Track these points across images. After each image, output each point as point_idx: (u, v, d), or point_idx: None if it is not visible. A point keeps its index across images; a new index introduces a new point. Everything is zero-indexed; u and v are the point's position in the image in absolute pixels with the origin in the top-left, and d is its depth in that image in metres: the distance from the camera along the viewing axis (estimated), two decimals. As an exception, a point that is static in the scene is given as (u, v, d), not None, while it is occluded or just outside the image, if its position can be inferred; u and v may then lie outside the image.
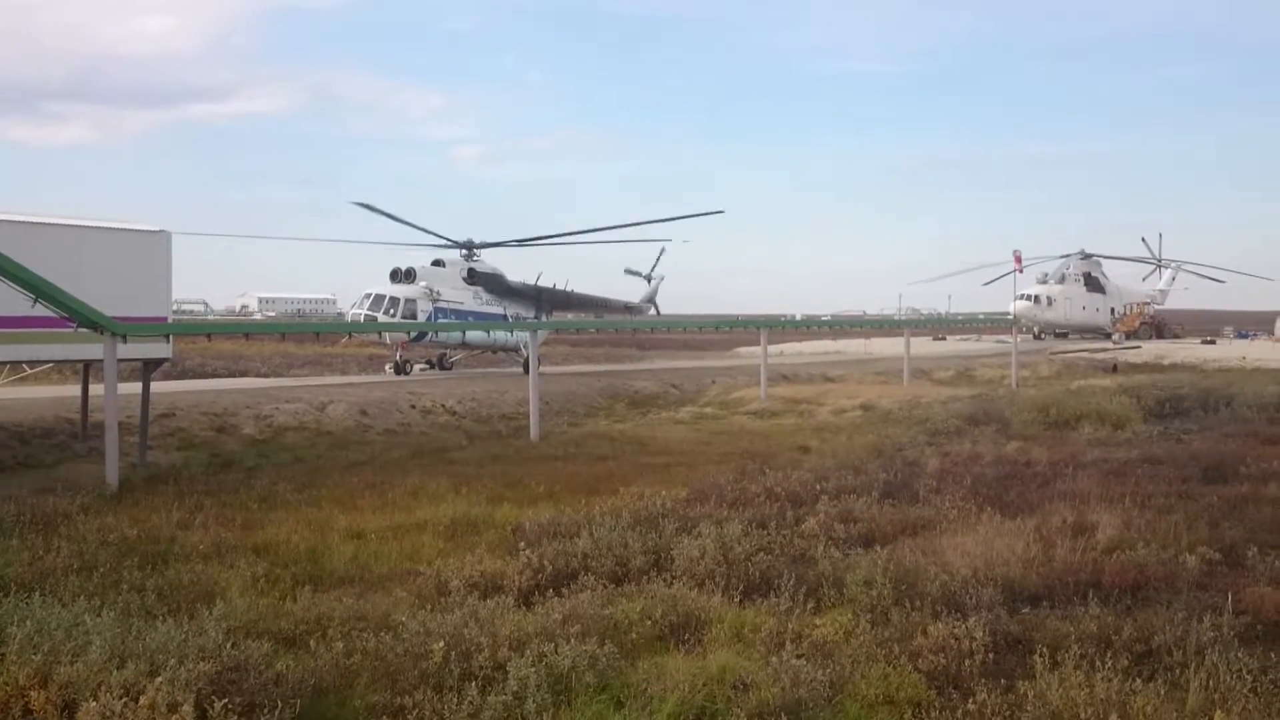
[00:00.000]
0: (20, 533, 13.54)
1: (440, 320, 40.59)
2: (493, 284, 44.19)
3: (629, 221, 45.85)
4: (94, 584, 11.18)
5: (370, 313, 39.68)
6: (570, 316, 49.24)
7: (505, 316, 44.05)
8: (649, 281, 54.01)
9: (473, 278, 43.34)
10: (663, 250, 52.39)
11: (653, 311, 54.55)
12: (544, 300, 46.44)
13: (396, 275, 41.53)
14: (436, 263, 43.28)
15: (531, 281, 45.96)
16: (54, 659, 8.17)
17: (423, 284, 41.35)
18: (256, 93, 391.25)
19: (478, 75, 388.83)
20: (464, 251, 44.08)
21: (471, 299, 43.08)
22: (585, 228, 46.47)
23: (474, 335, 42.38)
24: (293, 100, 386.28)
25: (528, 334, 44.47)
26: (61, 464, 20.76)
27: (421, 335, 40.77)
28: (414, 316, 39.97)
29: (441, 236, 43.38)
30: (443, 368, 43.86)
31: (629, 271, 53.49)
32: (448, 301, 41.85)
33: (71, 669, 8.00)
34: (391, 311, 39.59)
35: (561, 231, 45.57)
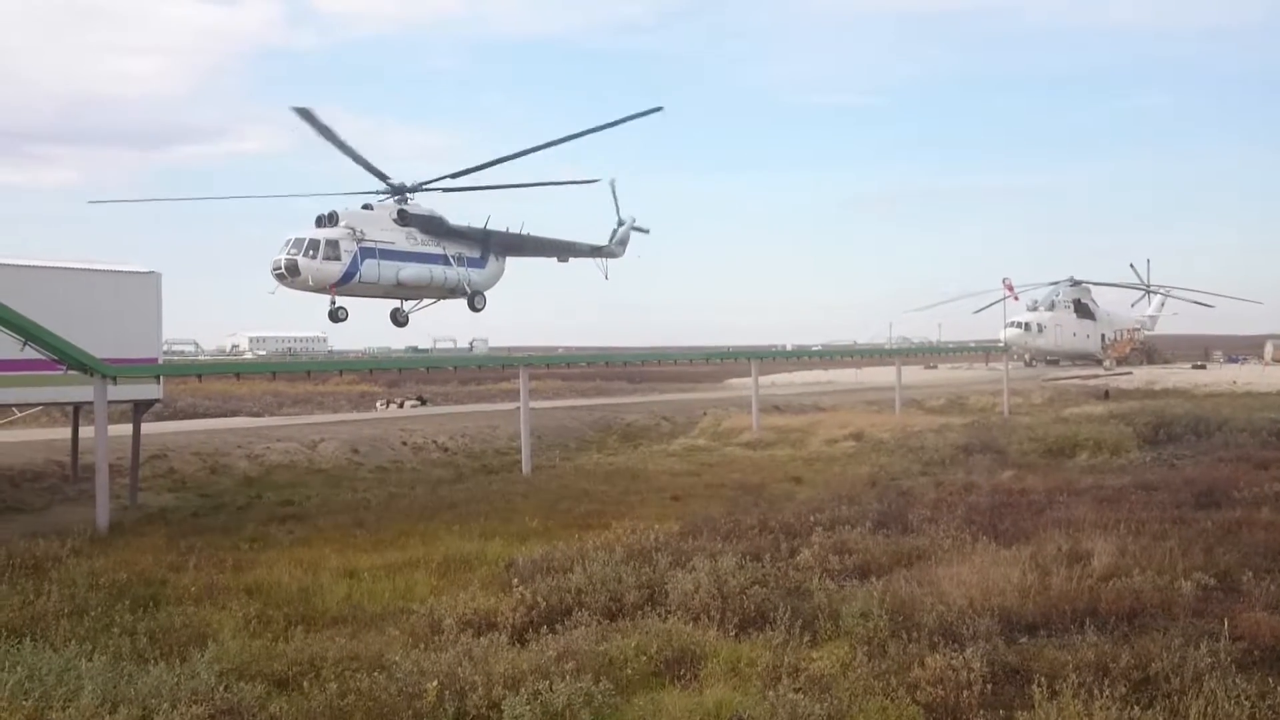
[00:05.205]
0: (10, 577, 13.47)
1: (369, 261, 40.15)
2: (430, 225, 43.22)
3: (567, 135, 45.00)
4: (85, 628, 11.09)
5: (290, 256, 39.05)
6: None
7: (447, 258, 43.61)
8: (620, 224, 53.61)
9: (405, 219, 42.78)
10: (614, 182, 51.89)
11: (623, 254, 53.84)
12: (492, 242, 45.58)
13: (321, 220, 41.07)
14: (365, 206, 42.88)
15: (479, 225, 45.17)
16: (46, 705, 8.11)
17: (344, 225, 40.90)
18: (245, 133, 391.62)
19: (460, 112, 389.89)
20: (397, 196, 43.58)
21: (404, 239, 42.26)
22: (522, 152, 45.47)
23: (409, 275, 41.87)
24: (280, 140, 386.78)
25: (470, 272, 44.28)
26: (52, 507, 20.65)
27: (349, 278, 40.16)
28: (337, 258, 39.37)
29: (377, 171, 42.40)
30: (396, 322, 43.34)
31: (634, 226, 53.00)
32: (375, 242, 41.09)
33: (64, 714, 7.94)
34: (312, 253, 38.97)
35: (498, 158, 44.22)
